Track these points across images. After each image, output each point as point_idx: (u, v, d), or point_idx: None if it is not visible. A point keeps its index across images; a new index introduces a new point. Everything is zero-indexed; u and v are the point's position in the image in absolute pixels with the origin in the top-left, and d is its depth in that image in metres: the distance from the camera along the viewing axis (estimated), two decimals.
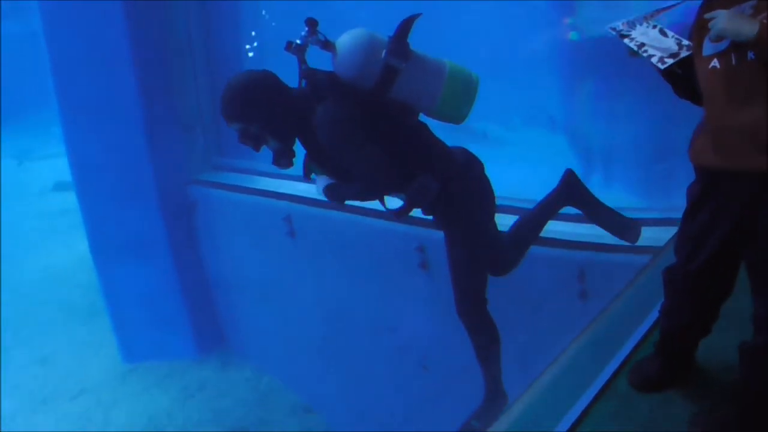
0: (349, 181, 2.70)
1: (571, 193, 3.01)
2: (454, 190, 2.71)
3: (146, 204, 5.79)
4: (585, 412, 1.97)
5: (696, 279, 1.82)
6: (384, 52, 2.58)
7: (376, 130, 2.60)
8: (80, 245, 6.49)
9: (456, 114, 2.73)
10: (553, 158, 3.66)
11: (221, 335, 6.30)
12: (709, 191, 1.72)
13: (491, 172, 2.77)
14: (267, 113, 2.62)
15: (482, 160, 2.82)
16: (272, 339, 5.52)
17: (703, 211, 1.75)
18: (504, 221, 2.98)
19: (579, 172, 3.05)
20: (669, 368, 1.99)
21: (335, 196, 2.77)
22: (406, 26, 2.60)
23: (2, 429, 5.61)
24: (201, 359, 6.11)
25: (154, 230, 5.92)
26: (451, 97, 2.67)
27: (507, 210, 3.24)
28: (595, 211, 3.03)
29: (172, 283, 6.12)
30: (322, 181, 2.78)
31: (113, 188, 5.76)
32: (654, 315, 2.40)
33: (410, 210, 2.72)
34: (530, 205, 3.06)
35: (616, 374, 2.14)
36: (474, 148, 2.81)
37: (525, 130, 4.48)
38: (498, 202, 2.84)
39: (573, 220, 3.34)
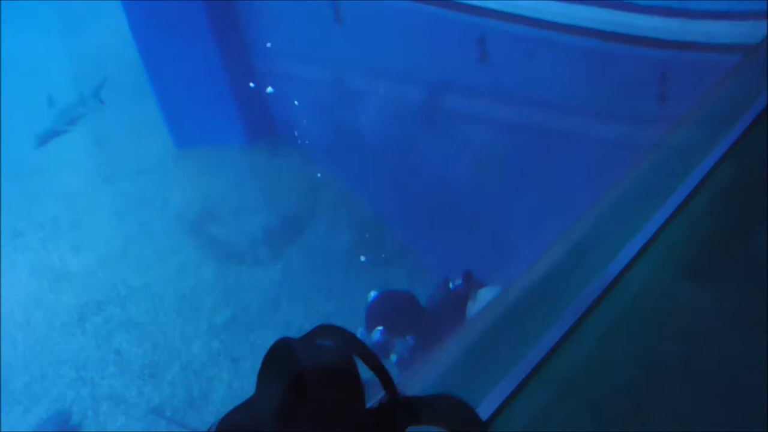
0: None
1: None
2: None
3: None
4: (658, 232, 1.86)
5: None
6: None
7: None
8: (121, 23, 6.25)
9: None
10: None
11: (270, 122, 6.26)
12: None
13: None
14: None
15: None
16: (321, 128, 5.44)
17: None
18: None
19: None
20: None
21: None
22: None
23: (72, 204, 5.94)
24: (250, 146, 6.15)
25: (194, 8, 5.62)
26: None
27: None
28: None
29: (216, 67, 5.96)
30: None
31: None
32: (746, 120, 2.17)
33: None
34: None
35: (695, 191, 1.99)
36: None
37: None
38: None
39: (655, 13, 2.94)
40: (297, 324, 4.20)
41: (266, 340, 4.32)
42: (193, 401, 3.88)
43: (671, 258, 1.79)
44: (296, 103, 5.61)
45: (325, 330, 0.89)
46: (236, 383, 3.89)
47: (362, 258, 3.93)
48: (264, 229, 5.08)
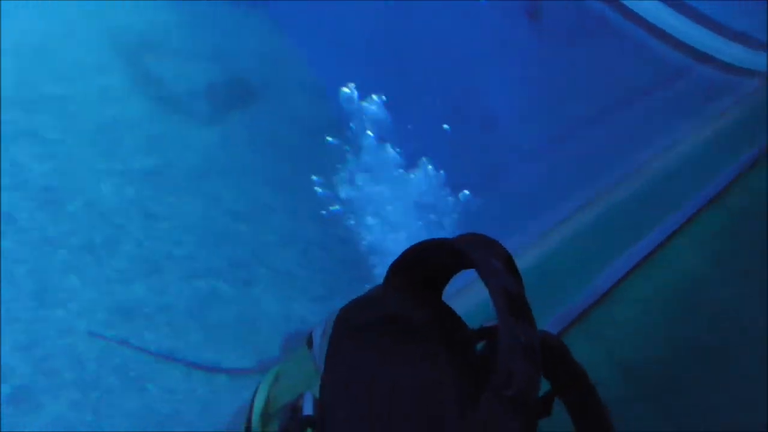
0: None
1: None
2: None
3: None
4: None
5: None
6: None
7: None
8: None
9: None
10: None
11: None
12: None
13: None
14: None
15: None
16: None
17: None
18: None
19: None
20: None
21: None
22: None
23: None
24: None
25: None
26: None
27: None
28: None
29: None
30: None
31: None
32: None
33: None
34: None
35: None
36: None
37: None
38: None
39: None
40: (227, 199, 3.92)
41: (191, 206, 4.02)
42: (94, 247, 3.55)
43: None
44: None
45: (477, 240, 0.85)
46: (147, 244, 3.59)
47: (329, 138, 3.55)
48: (208, 83, 4.60)
